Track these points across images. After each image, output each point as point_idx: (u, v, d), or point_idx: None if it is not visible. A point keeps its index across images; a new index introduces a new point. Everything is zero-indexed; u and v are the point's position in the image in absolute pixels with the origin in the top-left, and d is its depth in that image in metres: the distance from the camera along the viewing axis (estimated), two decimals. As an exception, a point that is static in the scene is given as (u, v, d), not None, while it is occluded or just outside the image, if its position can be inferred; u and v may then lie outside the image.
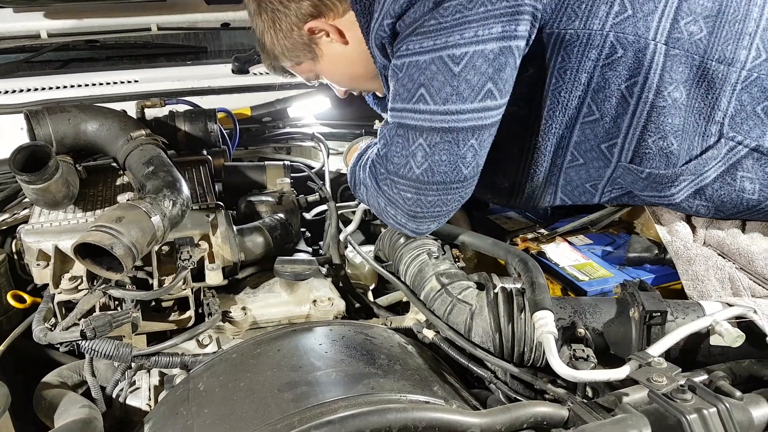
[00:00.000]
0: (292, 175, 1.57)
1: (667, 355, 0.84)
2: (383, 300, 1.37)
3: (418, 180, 1.00)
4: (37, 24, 1.88)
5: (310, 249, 1.41)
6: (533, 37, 0.96)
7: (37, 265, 1.08)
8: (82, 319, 0.97)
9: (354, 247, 1.31)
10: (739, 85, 0.98)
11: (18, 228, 1.17)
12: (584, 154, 1.07)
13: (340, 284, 1.29)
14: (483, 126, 0.96)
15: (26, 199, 1.36)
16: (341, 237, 1.34)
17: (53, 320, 1.04)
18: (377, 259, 1.30)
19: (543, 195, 1.15)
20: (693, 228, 1.13)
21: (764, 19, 0.99)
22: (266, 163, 1.58)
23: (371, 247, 1.35)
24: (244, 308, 1.13)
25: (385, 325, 1.14)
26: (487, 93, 0.94)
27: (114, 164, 1.37)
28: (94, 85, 1.83)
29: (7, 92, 1.78)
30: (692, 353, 0.92)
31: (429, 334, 1.02)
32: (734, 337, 0.85)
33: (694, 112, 1.00)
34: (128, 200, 1.05)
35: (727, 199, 1.03)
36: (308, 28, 1.09)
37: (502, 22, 0.91)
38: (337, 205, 1.43)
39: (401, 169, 1.01)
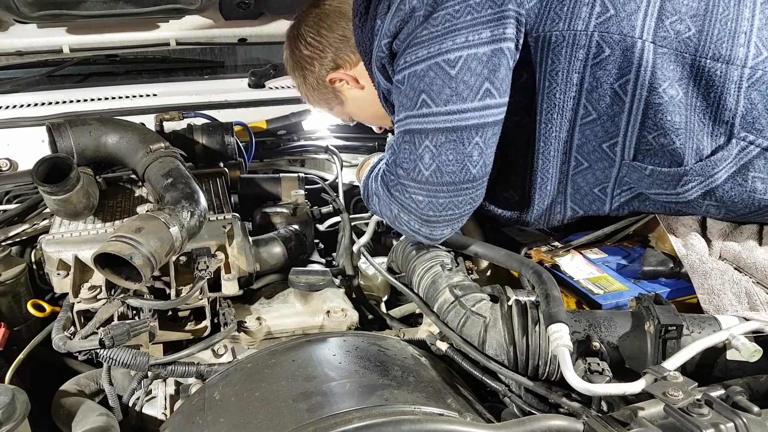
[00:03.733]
0: (306, 187, 1.59)
1: (683, 369, 0.83)
2: (396, 312, 1.37)
3: (427, 182, 1.02)
4: (60, 39, 1.93)
5: (323, 260, 1.42)
6: (521, 41, 1.00)
7: (57, 274, 1.10)
8: (101, 328, 0.99)
9: (367, 259, 1.32)
10: (744, 83, 0.98)
11: (39, 238, 1.19)
12: (587, 156, 1.08)
13: (353, 295, 1.29)
14: (486, 124, 0.99)
15: (45, 210, 1.38)
16: (354, 248, 1.35)
17: (72, 329, 1.05)
18: (390, 270, 1.31)
19: (553, 206, 1.16)
20: (708, 241, 1.12)
21: (757, 18, 1.00)
22: (281, 175, 1.60)
23: (384, 259, 1.36)
24: (259, 318, 1.14)
25: (398, 336, 1.14)
26: (485, 92, 0.97)
27: (133, 176, 1.39)
28: (114, 98, 1.87)
29: (30, 105, 1.83)
30: (708, 368, 0.91)
31: (442, 346, 1.02)
32: (751, 352, 0.84)
33: (696, 111, 1.00)
34: (147, 211, 1.07)
35: (739, 199, 1.03)
36: (329, 79, 1.24)
37: (490, 27, 0.96)
38: (350, 216, 1.44)
39: (411, 172, 1.03)
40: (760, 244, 1.09)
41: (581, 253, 1.29)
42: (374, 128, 1.43)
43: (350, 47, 1.19)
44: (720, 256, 1.09)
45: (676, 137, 1.00)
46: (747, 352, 0.84)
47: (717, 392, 0.75)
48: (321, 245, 1.52)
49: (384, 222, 1.43)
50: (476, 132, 0.99)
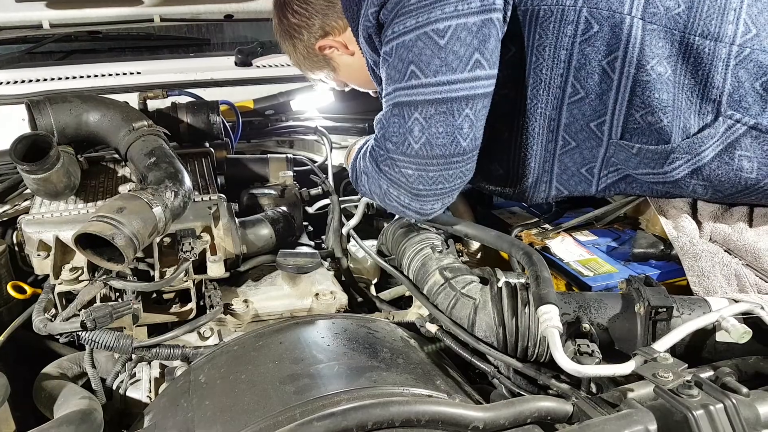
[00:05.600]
0: (295, 168, 1.56)
1: (672, 351, 0.83)
2: (386, 294, 1.36)
3: (417, 155, 1.00)
4: (40, 14, 1.87)
5: (312, 243, 1.40)
6: (509, 13, 0.99)
7: (38, 255, 1.07)
8: (83, 310, 0.97)
9: (357, 241, 1.31)
10: (732, 60, 0.97)
11: (19, 218, 1.16)
12: (575, 135, 1.07)
13: (343, 278, 1.28)
14: (476, 95, 0.98)
15: (27, 191, 1.35)
16: (344, 231, 1.33)
17: (53, 311, 1.03)
18: (380, 253, 1.30)
19: (538, 184, 1.15)
20: (699, 224, 1.11)
21: None
22: (269, 156, 1.57)
23: (374, 242, 1.34)
24: (246, 301, 1.13)
25: (388, 319, 1.13)
26: (475, 63, 0.96)
27: (115, 156, 1.36)
28: (96, 76, 1.82)
29: (8, 83, 1.77)
30: (698, 349, 0.92)
31: (432, 328, 1.01)
32: (741, 333, 0.84)
33: (684, 89, 1.00)
34: (130, 191, 1.04)
35: (725, 178, 1.03)
36: (319, 46, 1.22)
37: None
38: (339, 199, 1.42)
39: (400, 146, 1.01)
40: (750, 226, 1.08)
41: (571, 236, 1.29)
42: (371, 93, 1.40)
43: (337, 13, 1.17)
44: (710, 239, 1.09)
45: (664, 115, 1.00)
46: (737, 333, 0.84)
47: (706, 374, 0.75)
48: (310, 228, 1.50)
49: (374, 204, 1.41)
50: (466, 104, 0.97)
